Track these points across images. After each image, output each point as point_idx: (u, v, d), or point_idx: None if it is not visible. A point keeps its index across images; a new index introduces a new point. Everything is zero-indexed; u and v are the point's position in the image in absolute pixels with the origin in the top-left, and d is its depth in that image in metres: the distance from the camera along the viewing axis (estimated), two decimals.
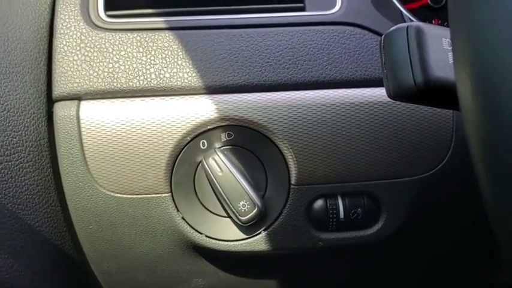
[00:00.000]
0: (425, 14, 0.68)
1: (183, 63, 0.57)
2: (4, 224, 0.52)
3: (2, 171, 0.52)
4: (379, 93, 0.57)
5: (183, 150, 0.57)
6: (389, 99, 0.56)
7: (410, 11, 0.63)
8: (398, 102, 0.57)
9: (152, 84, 0.56)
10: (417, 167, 0.58)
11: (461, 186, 0.60)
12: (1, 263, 0.51)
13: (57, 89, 0.56)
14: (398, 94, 0.41)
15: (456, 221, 0.64)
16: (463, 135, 0.58)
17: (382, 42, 0.42)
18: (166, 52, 0.57)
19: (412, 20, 0.61)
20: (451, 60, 0.41)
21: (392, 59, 0.41)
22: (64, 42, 0.57)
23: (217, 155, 0.56)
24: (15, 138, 0.54)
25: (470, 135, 0.28)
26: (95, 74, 0.56)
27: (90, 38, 0.57)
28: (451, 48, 0.41)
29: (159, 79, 0.56)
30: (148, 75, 0.56)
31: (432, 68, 0.39)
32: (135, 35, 0.57)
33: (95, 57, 0.56)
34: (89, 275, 0.64)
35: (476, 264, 0.72)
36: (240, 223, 0.56)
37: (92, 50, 0.57)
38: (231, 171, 0.55)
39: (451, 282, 0.74)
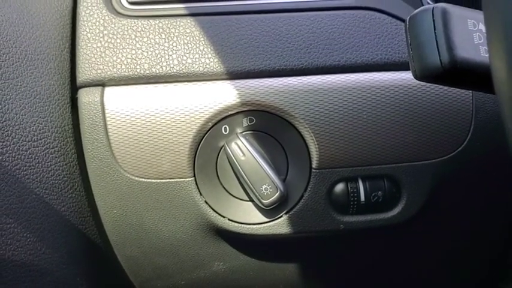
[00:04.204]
0: None
1: (205, 49, 0.57)
2: (33, 208, 0.53)
3: (30, 156, 0.53)
4: (399, 77, 0.58)
5: (206, 135, 0.57)
6: (409, 83, 0.57)
7: None
8: (418, 86, 0.57)
9: (175, 70, 0.57)
10: (437, 150, 0.59)
11: (482, 169, 0.61)
12: (30, 245, 0.52)
13: (81, 76, 0.57)
14: (424, 75, 0.41)
15: (476, 204, 0.64)
16: (482, 118, 0.58)
17: (408, 23, 0.43)
18: (188, 38, 0.57)
19: (428, 2, 0.61)
20: (476, 41, 0.41)
21: (418, 39, 0.41)
22: (87, 30, 0.57)
23: (240, 139, 0.56)
24: (41, 124, 0.54)
25: (506, 113, 0.28)
26: (118, 60, 0.57)
27: (112, 25, 0.58)
28: (476, 29, 0.42)
29: (181, 65, 0.57)
30: (171, 61, 0.57)
31: (458, 48, 0.40)
32: (157, 22, 0.58)
33: (118, 44, 0.57)
34: (112, 259, 0.65)
35: (493, 250, 0.73)
36: (262, 206, 0.57)
37: (114, 37, 0.57)
38: (253, 156, 0.56)
39: (467, 267, 0.74)
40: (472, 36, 0.41)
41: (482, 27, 0.41)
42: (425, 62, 0.41)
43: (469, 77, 0.41)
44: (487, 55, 0.40)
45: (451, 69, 0.40)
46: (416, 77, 0.42)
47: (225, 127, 0.58)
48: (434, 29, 0.40)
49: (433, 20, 0.41)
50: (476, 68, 0.40)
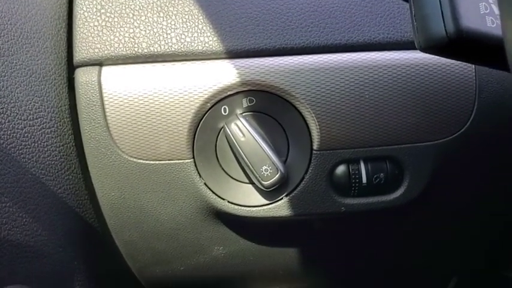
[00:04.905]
0: None
1: (204, 28, 0.56)
2: (28, 188, 0.52)
3: (25, 135, 0.52)
4: (401, 57, 0.57)
5: (205, 116, 0.56)
6: (412, 63, 0.57)
7: None
8: (420, 66, 0.56)
9: (173, 49, 0.56)
10: (440, 131, 0.58)
11: (485, 150, 0.60)
12: (26, 226, 0.51)
13: (78, 55, 0.56)
14: (429, 45, 0.40)
15: (478, 186, 0.63)
16: (486, 98, 0.58)
17: None
18: (186, 16, 0.56)
19: None
20: (482, 11, 0.40)
21: (424, 10, 0.40)
22: (84, 8, 0.56)
23: (239, 120, 0.55)
24: (37, 103, 0.53)
25: None
26: (116, 39, 0.56)
27: (110, 4, 0.57)
28: None
29: (180, 44, 0.56)
30: (169, 40, 0.56)
31: (464, 18, 0.39)
32: (156, 0, 0.57)
33: (116, 23, 0.56)
34: (110, 244, 0.64)
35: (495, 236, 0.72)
36: (262, 188, 0.56)
37: (112, 16, 0.56)
38: (253, 136, 0.55)
39: (470, 251, 0.74)
40: (478, 6, 0.40)
41: None
42: (430, 33, 0.40)
43: (475, 48, 0.40)
44: (493, 25, 0.40)
45: (456, 39, 0.39)
46: (420, 48, 0.41)
47: (225, 108, 0.57)
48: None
49: None
50: (483, 39, 0.39)
